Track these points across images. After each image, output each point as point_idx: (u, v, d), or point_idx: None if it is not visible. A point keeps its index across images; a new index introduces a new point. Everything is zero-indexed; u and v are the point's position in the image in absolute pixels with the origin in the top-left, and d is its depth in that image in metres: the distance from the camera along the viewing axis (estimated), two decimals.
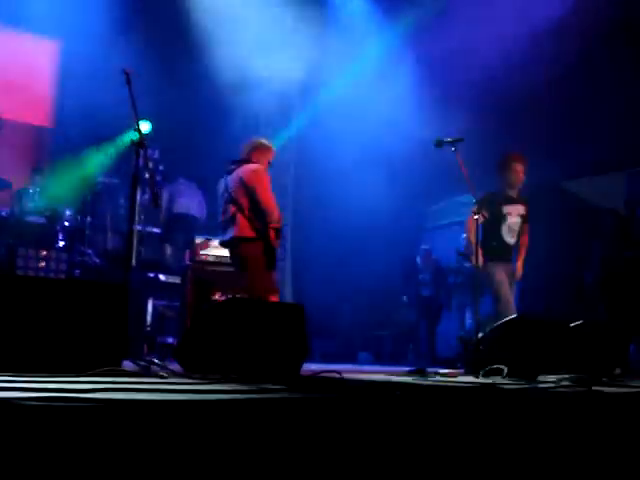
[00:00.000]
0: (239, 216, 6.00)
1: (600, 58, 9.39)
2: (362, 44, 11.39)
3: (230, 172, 6.21)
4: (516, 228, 6.97)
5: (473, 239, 6.30)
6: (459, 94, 10.45)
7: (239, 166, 6.16)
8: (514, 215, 6.97)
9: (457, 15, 9.93)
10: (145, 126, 9.94)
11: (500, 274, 6.77)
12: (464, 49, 9.90)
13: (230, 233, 6.06)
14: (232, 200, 6.06)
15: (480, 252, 6.38)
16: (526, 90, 10.11)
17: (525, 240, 7.16)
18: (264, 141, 6.34)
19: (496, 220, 6.88)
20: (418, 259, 11.25)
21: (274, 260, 6.01)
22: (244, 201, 5.97)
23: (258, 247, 5.94)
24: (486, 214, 6.59)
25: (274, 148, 6.38)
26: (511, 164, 6.98)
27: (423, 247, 11.30)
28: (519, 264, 7.01)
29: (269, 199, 5.94)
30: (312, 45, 11.69)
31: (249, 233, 5.97)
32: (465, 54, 9.90)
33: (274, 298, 5.88)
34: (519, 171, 6.98)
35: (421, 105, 10.49)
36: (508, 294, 6.75)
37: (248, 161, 6.15)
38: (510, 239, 6.95)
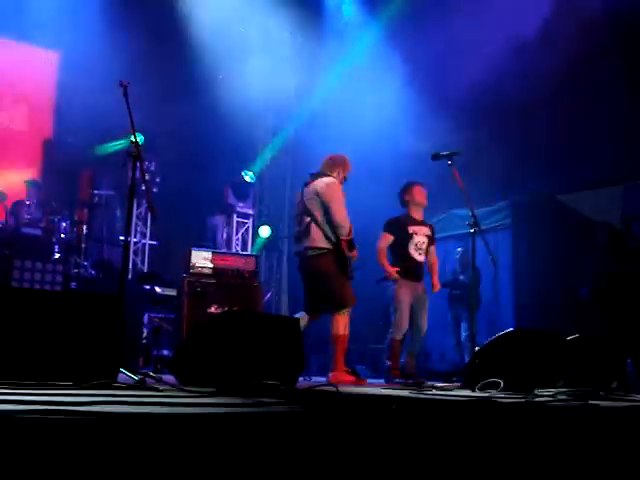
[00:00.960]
0: (313, 227, 6.18)
1: (598, 73, 9.44)
2: (354, 53, 11.47)
3: (307, 184, 6.39)
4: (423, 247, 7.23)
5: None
6: (456, 108, 10.49)
7: (315, 179, 6.33)
8: (420, 234, 7.20)
9: (453, 30, 9.97)
10: (139, 138, 9.99)
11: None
12: (458, 63, 9.95)
13: (304, 243, 6.22)
14: (307, 211, 6.24)
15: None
16: (523, 103, 10.16)
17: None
18: (341, 155, 6.52)
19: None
20: None
21: (346, 269, 6.06)
22: (318, 213, 6.14)
23: (330, 258, 6.09)
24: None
25: (350, 163, 6.48)
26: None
27: None
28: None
29: (341, 212, 6.09)
30: (308, 54, 11.78)
31: (322, 244, 6.11)
32: (459, 67, 9.94)
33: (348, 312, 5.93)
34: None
35: (420, 119, 10.51)
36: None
37: (324, 174, 6.32)
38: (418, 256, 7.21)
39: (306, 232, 6.18)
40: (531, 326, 8.75)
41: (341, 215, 6.07)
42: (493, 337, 5.22)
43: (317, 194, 6.18)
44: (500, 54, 9.53)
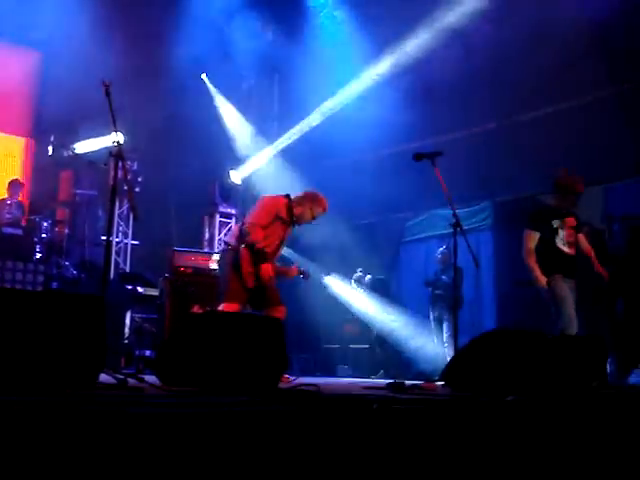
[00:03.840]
0: (234, 226, 6.26)
1: (581, 75, 9.50)
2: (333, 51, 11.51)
3: None
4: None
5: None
6: (439, 107, 10.54)
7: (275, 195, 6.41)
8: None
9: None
10: (122, 137, 9.96)
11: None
12: (441, 63, 10.00)
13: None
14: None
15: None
16: (505, 104, 10.23)
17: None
18: (316, 194, 6.40)
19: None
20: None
21: (240, 271, 5.97)
22: (247, 216, 6.19)
23: (230, 256, 6.05)
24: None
25: (326, 206, 6.38)
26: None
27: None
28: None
29: (256, 220, 5.98)
30: (287, 59, 11.82)
31: (232, 241, 6.12)
32: (442, 67, 10.00)
33: (231, 306, 5.88)
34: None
35: (402, 118, 10.55)
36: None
37: (286, 196, 6.29)
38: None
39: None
40: (512, 326, 8.79)
41: (253, 220, 5.97)
42: (474, 337, 5.24)
43: (257, 201, 6.28)
44: (481, 54, 9.59)
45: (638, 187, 8.92)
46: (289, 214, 6.14)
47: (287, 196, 6.26)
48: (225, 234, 12.09)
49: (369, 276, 11.43)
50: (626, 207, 8.25)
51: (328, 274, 11.88)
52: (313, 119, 11.84)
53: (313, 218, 6.30)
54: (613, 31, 9.08)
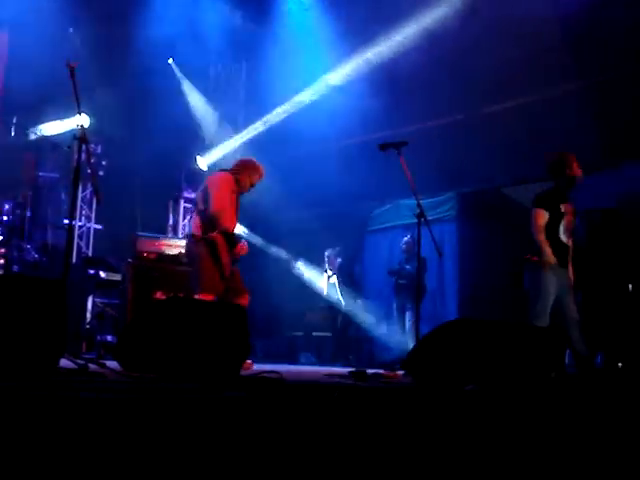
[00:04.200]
0: (195, 216, 6.26)
1: (548, 69, 9.58)
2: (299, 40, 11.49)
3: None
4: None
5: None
6: (405, 99, 10.57)
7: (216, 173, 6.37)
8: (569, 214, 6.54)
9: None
10: (87, 120, 9.84)
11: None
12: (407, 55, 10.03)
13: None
14: (196, 202, 6.27)
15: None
16: (470, 97, 10.29)
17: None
18: (252, 160, 6.39)
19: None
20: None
21: (219, 259, 5.93)
22: (201, 203, 6.08)
23: (202, 246, 5.95)
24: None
25: (263, 173, 6.36)
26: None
27: (326, 253, 11.50)
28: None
29: (220, 203, 5.93)
30: (256, 45, 11.77)
31: (197, 232, 6.03)
32: (409, 59, 10.03)
33: (208, 297, 5.83)
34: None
35: (373, 110, 10.57)
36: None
37: (225, 170, 6.27)
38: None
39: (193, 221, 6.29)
40: (474, 316, 8.88)
41: (218, 206, 5.91)
42: (436, 326, 5.29)
43: (206, 185, 6.16)
44: (449, 46, 9.63)
45: (598, 182, 9.04)
46: (238, 186, 6.15)
47: (226, 170, 6.26)
48: (190, 220, 12.05)
49: (339, 259, 11.41)
50: (588, 202, 8.35)
51: (295, 260, 11.92)
52: (281, 107, 11.81)
53: (252, 186, 6.28)
54: (581, 24, 9.16)
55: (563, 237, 6.47)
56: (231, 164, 6.46)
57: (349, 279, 11.40)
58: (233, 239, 5.95)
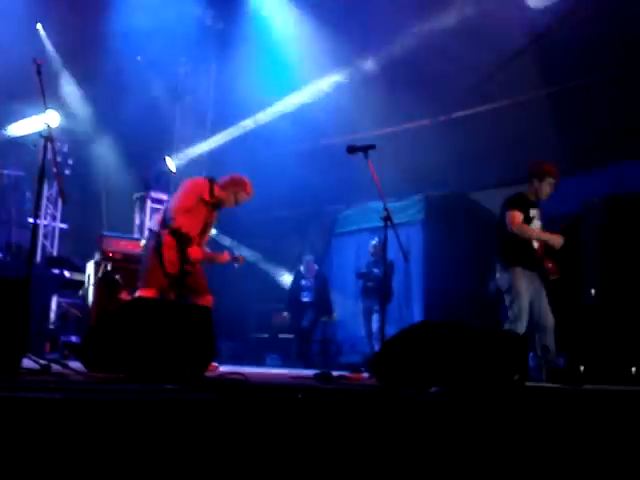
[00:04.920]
0: (159, 211, 6.44)
1: (514, 75, 9.69)
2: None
3: None
4: None
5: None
6: (374, 103, 10.62)
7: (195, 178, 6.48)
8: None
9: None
10: (54, 118, 9.75)
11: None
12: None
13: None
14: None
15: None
16: (440, 101, 10.38)
17: None
18: (241, 179, 6.31)
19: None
20: (302, 267, 11.43)
21: (162, 257, 5.91)
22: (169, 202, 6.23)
23: (152, 242, 6.01)
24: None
25: (250, 192, 6.31)
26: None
27: (307, 258, 11.47)
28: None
29: (178, 205, 5.94)
30: (225, 45, 11.73)
31: (154, 227, 6.09)
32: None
33: (149, 291, 5.84)
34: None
35: (341, 112, 10.61)
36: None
37: (209, 178, 6.24)
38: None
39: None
40: (440, 319, 8.94)
41: (174, 206, 5.93)
42: (402, 329, 5.32)
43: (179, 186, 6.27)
44: (418, 50, 9.70)
45: (563, 187, 9.15)
46: (211, 196, 6.12)
47: (210, 178, 6.22)
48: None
49: (316, 267, 11.41)
50: (551, 206, 8.45)
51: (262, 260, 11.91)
52: (250, 109, 11.80)
53: (236, 202, 6.24)
54: (548, 31, 9.28)
55: (534, 242, 6.58)
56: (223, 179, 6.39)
57: (323, 286, 11.34)
58: (184, 240, 5.89)
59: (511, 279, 6.52)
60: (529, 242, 6.56)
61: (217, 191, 6.13)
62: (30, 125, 9.60)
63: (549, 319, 6.48)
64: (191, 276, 5.96)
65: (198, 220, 6.07)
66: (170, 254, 5.84)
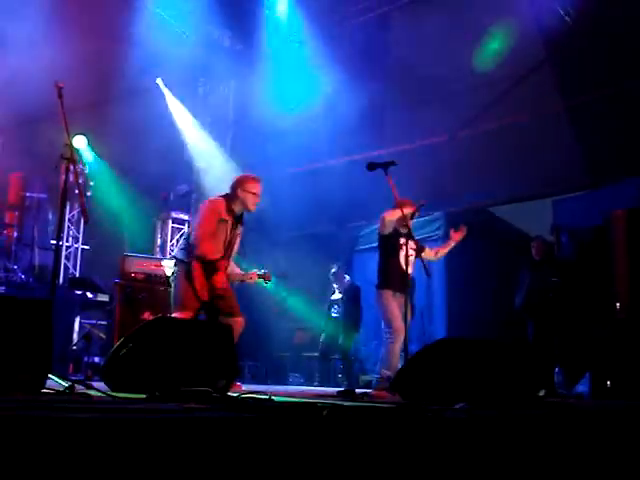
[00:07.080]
0: (182, 239, 6.51)
1: (532, 89, 9.68)
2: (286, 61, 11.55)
3: None
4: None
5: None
6: (393, 120, 10.64)
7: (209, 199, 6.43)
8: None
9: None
10: (81, 141, 9.85)
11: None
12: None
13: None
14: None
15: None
16: (456, 117, 10.36)
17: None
18: (243, 175, 6.39)
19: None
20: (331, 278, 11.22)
21: (192, 283, 5.92)
22: (190, 228, 6.20)
23: (182, 268, 6.04)
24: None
25: (256, 179, 6.33)
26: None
27: (333, 269, 11.28)
28: None
29: (200, 232, 5.97)
30: (244, 65, 11.80)
31: (180, 256, 6.12)
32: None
33: (183, 314, 5.85)
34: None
35: (361, 125, 10.62)
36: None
37: (221, 195, 6.26)
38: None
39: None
40: (463, 335, 8.88)
41: (197, 234, 5.97)
42: (425, 345, 5.29)
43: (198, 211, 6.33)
44: (435, 67, 9.71)
45: (586, 200, 9.10)
46: (229, 213, 6.13)
47: (225, 195, 6.24)
48: (177, 241, 12.02)
49: (347, 277, 11.25)
50: (574, 220, 8.42)
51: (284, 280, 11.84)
52: (268, 126, 11.84)
53: (253, 197, 6.20)
54: (564, 47, 9.26)
55: (403, 266, 6.61)
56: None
57: (354, 298, 11.12)
58: (210, 267, 5.93)
59: (384, 302, 6.78)
60: (400, 266, 6.67)
61: (232, 204, 6.15)
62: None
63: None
64: (222, 300, 5.98)
65: (221, 240, 6.09)
66: (200, 281, 5.90)
